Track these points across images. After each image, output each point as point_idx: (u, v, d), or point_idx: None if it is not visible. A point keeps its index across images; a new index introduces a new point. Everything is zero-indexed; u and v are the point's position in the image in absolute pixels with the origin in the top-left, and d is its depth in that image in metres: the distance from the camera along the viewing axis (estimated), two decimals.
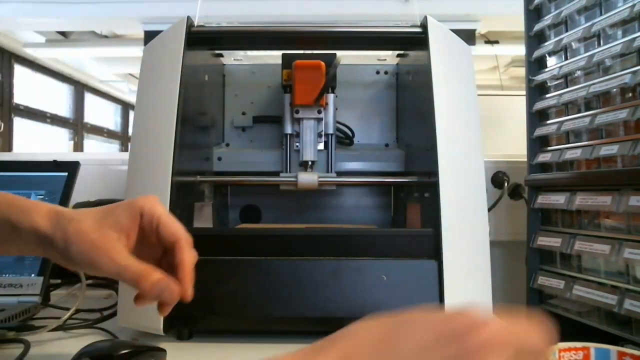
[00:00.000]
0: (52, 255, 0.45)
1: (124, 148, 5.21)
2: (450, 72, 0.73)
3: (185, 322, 0.66)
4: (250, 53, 1.12)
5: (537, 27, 0.87)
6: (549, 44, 0.85)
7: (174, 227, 0.46)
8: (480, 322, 0.30)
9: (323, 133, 0.91)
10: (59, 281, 0.94)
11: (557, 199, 0.79)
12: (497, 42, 2.87)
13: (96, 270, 0.43)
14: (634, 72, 0.67)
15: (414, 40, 0.79)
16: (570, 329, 0.79)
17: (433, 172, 0.69)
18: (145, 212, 0.46)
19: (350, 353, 0.29)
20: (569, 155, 0.78)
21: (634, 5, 0.67)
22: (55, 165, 0.87)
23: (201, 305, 0.61)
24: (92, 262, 0.43)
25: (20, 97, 3.70)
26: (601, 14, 0.74)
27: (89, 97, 4.71)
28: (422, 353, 0.29)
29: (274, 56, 1.01)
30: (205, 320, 0.66)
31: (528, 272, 0.86)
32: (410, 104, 0.92)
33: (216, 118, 0.98)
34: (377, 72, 1.03)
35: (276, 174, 0.90)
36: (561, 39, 0.82)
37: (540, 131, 0.86)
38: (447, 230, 0.66)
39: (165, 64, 0.72)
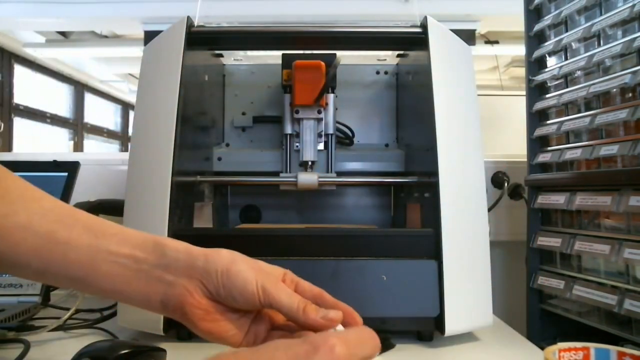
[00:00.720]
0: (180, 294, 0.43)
1: (124, 148, 5.21)
2: (450, 72, 0.73)
3: None
4: (250, 53, 1.12)
5: (537, 27, 0.88)
6: (549, 44, 0.85)
7: (312, 287, 0.46)
8: (324, 346, 0.34)
9: (323, 133, 0.91)
10: None
11: (557, 199, 0.79)
12: (497, 42, 2.87)
13: (257, 301, 0.42)
14: (634, 72, 0.67)
15: (414, 41, 0.79)
16: (570, 329, 0.79)
17: (433, 172, 0.69)
18: (288, 275, 0.47)
19: None
20: (569, 155, 0.78)
21: (634, 5, 0.67)
22: (55, 166, 0.87)
23: None
24: (258, 291, 0.42)
25: (20, 97, 3.70)
26: (601, 14, 0.74)
27: (89, 97, 4.71)
28: None
29: (274, 56, 1.01)
30: None
31: (528, 272, 0.86)
32: (410, 104, 0.92)
33: (216, 118, 0.98)
34: (377, 72, 1.03)
35: (276, 174, 0.90)
36: (561, 39, 0.82)
37: (540, 131, 0.86)
38: (447, 230, 0.66)
39: (165, 64, 0.72)
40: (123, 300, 0.45)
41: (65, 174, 0.86)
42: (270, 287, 0.42)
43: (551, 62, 0.87)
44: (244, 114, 1.02)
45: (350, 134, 0.99)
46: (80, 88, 4.52)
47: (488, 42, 2.86)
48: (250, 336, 0.45)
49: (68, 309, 0.73)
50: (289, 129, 0.91)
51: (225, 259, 0.43)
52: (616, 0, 0.72)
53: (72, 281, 0.43)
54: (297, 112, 0.88)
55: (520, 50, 0.94)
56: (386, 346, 0.64)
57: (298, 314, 0.41)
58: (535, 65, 0.89)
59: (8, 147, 3.51)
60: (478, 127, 0.73)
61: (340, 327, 0.42)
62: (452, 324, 0.65)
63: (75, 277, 0.42)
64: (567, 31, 0.81)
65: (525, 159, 0.90)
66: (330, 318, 0.41)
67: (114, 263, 0.42)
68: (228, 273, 0.42)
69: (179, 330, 0.67)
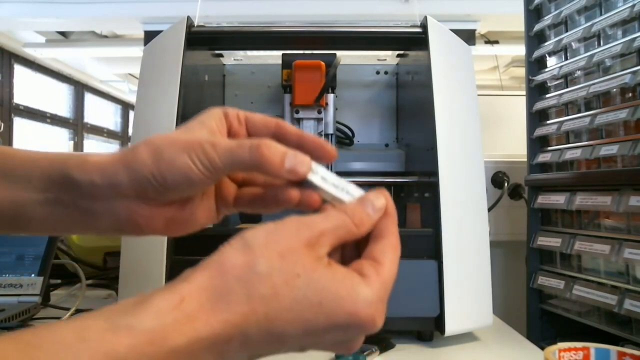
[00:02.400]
0: (120, 207, 0.36)
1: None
2: (450, 72, 0.73)
3: None
4: (250, 53, 1.12)
5: (537, 27, 0.87)
6: (549, 44, 0.85)
7: (266, 117, 0.39)
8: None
9: (323, 133, 0.91)
10: (59, 281, 0.94)
11: (557, 199, 0.79)
12: (497, 42, 2.86)
13: (199, 173, 0.34)
14: (634, 72, 0.67)
15: (414, 40, 0.79)
16: (570, 329, 0.79)
17: (433, 172, 0.69)
18: (229, 111, 0.39)
19: (217, 285, 0.28)
20: (569, 155, 0.78)
21: (634, 5, 0.67)
22: None
23: None
24: (197, 165, 0.34)
25: (20, 97, 3.70)
26: (601, 14, 0.74)
27: (89, 97, 4.71)
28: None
29: (274, 56, 1.01)
30: None
31: (528, 272, 0.86)
32: (410, 104, 0.92)
33: None
34: (377, 72, 1.03)
35: None
36: (561, 39, 0.82)
37: (540, 131, 0.86)
38: (447, 230, 0.66)
39: (165, 64, 0.72)
40: (66, 233, 0.41)
41: None
42: (210, 157, 0.34)
43: (551, 62, 0.87)
44: None
45: (350, 134, 0.99)
46: (80, 88, 4.52)
47: (488, 42, 2.86)
48: (222, 208, 0.40)
49: (68, 309, 0.73)
50: None
51: (147, 158, 0.35)
52: (616, 0, 0.72)
53: (6, 229, 0.38)
54: (297, 112, 0.88)
55: (520, 50, 0.94)
56: (386, 346, 0.64)
57: (255, 162, 0.34)
58: (535, 65, 0.89)
59: None
60: (478, 127, 0.73)
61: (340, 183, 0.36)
62: (452, 324, 0.65)
63: (6, 224, 0.38)
64: (567, 31, 0.81)
65: (525, 159, 0.90)
66: (296, 171, 0.34)
67: (35, 203, 0.37)
68: (161, 172, 0.34)
69: None
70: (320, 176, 0.36)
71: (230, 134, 0.39)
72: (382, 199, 0.35)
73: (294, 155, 0.35)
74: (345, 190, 0.36)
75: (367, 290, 0.30)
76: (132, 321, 0.26)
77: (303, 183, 0.36)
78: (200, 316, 0.27)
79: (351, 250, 0.35)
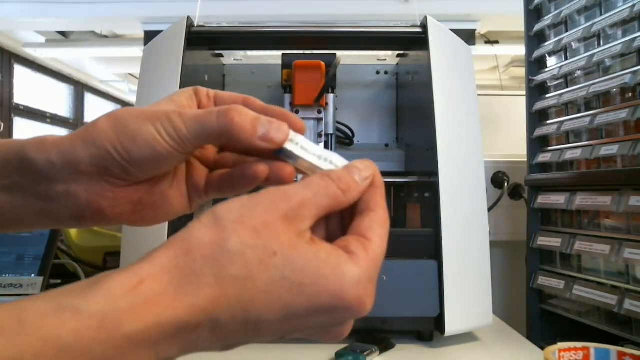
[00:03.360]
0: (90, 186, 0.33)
1: None
2: (450, 72, 0.73)
3: None
4: (250, 53, 1.12)
5: (537, 27, 0.87)
6: (549, 44, 0.85)
7: (234, 94, 0.37)
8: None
9: (323, 133, 0.91)
10: (59, 281, 0.94)
11: (557, 199, 0.79)
12: (497, 42, 2.86)
13: (165, 144, 0.31)
14: (634, 72, 0.67)
15: (414, 40, 0.79)
16: (570, 329, 0.79)
17: (433, 172, 0.69)
18: (199, 89, 0.37)
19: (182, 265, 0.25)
20: (569, 155, 0.78)
21: (634, 5, 0.67)
22: None
23: None
24: (163, 135, 0.31)
25: (20, 97, 3.70)
26: (601, 14, 0.74)
27: (89, 97, 4.71)
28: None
29: (274, 56, 1.01)
30: None
31: (528, 272, 0.86)
32: (410, 104, 0.92)
33: None
34: (377, 72, 1.03)
35: None
36: (561, 39, 0.82)
37: (540, 131, 0.86)
38: (447, 230, 0.66)
39: (165, 64, 0.72)
40: (31, 229, 0.37)
41: None
42: (176, 126, 0.31)
43: (551, 62, 0.87)
44: None
45: (350, 134, 0.99)
46: (80, 88, 4.52)
47: (488, 42, 2.86)
48: (194, 195, 0.37)
49: None
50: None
51: (107, 128, 0.32)
52: (616, 0, 0.72)
53: None
54: (297, 112, 0.88)
55: (520, 50, 0.94)
56: (386, 346, 0.64)
57: (224, 128, 0.31)
58: (535, 65, 0.89)
59: None
60: (478, 127, 0.73)
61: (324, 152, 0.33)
62: (452, 324, 0.65)
63: None
64: (567, 31, 0.81)
65: (525, 159, 0.90)
66: (271, 137, 0.32)
67: None
68: (123, 144, 0.31)
69: None
70: (300, 146, 0.33)
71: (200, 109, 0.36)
72: (369, 167, 0.31)
73: (268, 121, 0.32)
74: (329, 161, 0.32)
75: (355, 269, 0.27)
76: (79, 303, 0.23)
77: (280, 154, 0.33)
78: (161, 300, 0.24)
79: (336, 226, 0.32)
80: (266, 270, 0.26)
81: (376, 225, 0.30)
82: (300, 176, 0.33)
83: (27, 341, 0.22)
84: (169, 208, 0.36)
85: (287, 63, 0.88)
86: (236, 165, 0.37)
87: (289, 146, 0.32)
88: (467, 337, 0.69)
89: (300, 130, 0.34)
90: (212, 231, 0.26)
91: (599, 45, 0.75)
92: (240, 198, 0.28)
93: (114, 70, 4.25)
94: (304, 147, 0.33)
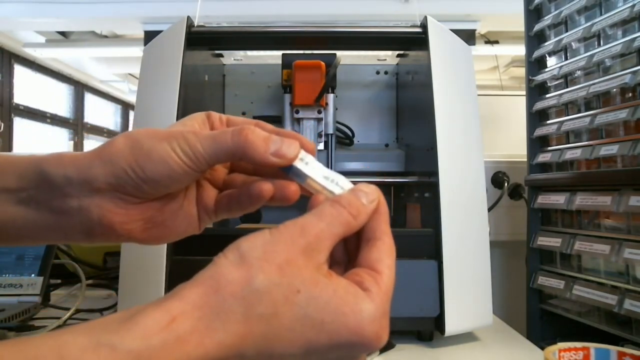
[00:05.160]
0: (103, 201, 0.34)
1: None
2: (450, 72, 0.73)
3: None
4: (250, 53, 1.12)
5: (537, 27, 0.87)
6: (549, 44, 0.85)
7: (246, 119, 0.38)
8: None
9: (323, 133, 0.91)
10: (59, 281, 0.94)
11: (557, 199, 0.79)
12: (497, 42, 2.87)
13: (180, 161, 0.33)
14: (634, 72, 0.67)
15: (414, 40, 0.79)
16: (570, 329, 0.79)
17: (433, 172, 0.69)
18: (212, 114, 0.38)
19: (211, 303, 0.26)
20: (569, 155, 0.78)
21: (634, 5, 0.67)
22: None
23: None
24: (178, 153, 0.32)
25: (20, 97, 3.70)
26: (601, 14, 0.74)
27: (89, 97, 4.71)
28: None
29: (274, 56, 1.01)
30: None
31: (528, 272, 0.86)
32: (410, 104, 0.92)
33: None
34: (377, 72, 1.03)
35: None
36: (561, 39, 0.82)
37: (540, 131, 0.86)
38: (447, 230, 0.66)
39: (165, 64, 0.72)
40: (41, 242, 0.38)
41: None
42: (192, 144, 0.33)
43: (551, 62, 0.87)
44: (244, 114, 1.01)
45: (350, 134, 0.99)
46: (80, 88, 4.52)
47: (488, 42, 2.86)
48: (204, 215, 0.38)
49: (68, 309, 0.73)
50: (289, 129, 0.91)
51: (124, 148, 0.33)
52: (616, 0, 0.72)
53: None
54: (297, 112, 0.88)
55: (520, 50, 0.94)
56: (386, 346, 0.64)
57: (238, 146, 0.32)
58: (535, 65, 0.89)
59: (8, 147, 3.51)
60: (478, 127, 0.73)
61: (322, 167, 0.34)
62: (452, 324, 0.65)
63: None
64: (567, 31, 0.81)
65: (525, 159, 0.90)
66: (283, 154, 0.33)
67: (5, 203, 0.35)
68: (138, 162, 0.33)
69: None
70: (310, 165, 0.34)
71: None
72: (375, 191, 0.33)
73: (279, 139, 0.33)
74: (335, 182, 0.34)
75: (371, 306, 0.28)
76: (115, 340, 0.24)
77: (290, 173, 0.34)
78: (192, 338, 0.25)
79: (339, 248, 0.33)
80: (291, 308, 0.27)
81: (385, 256, 0.31)
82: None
83: None
84: (178, 227, 0.37)
85: (287, 63, 0.88)
86: (243, 185, 0.38)
87: (298, 164, 0.33)
88: (467, 337, 0.69)
89: (311, 152, 0.35)
90: (239, 269, 0.27)
91: (599, 45, 0.75)
92: (262, 233, 0.29)
93: (114, 70, 4.25)
94: (313, 167, 0.34)
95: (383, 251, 0.31)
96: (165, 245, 0.64)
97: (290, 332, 0.27)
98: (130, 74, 4.48)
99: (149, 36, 1.20)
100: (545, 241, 0.81)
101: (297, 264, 0.28)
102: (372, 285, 0.29)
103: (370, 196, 0.32)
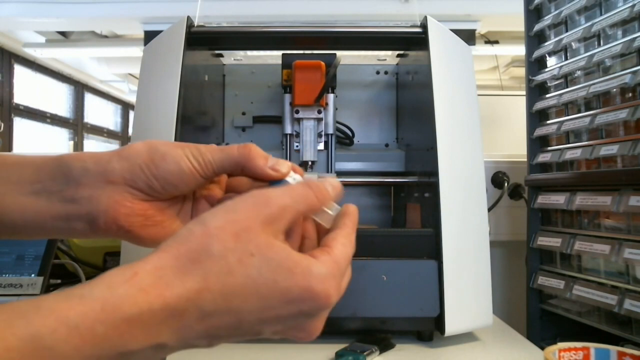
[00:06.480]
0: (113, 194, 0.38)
1: None
2: (450, 72, 0.73)
3: None
4: (250, 53, 1.12)
5: (537, 27, 0.87)
6: (549, 44, 0.85)
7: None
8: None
9: (323, 133, 0.91)
10: (59, 281, 0.94)
11: (557, 199, 0.79)
12: (497, 42, 2.87)
13: (190, 165, 0.38)
14: (634, 72, 0.67)
15: (414, 40, 0.79)
16: (570, 329, 0.79)
17: (433, 172, 0.69)
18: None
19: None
20: (569, 155, 0.78)
21: (634, 5, 0.67)
22: None
23: None
24: (189, 158, 0.38)
25: (20, 97, 3.70)
26: (601, 14, 0.74)
27: (89, 97, 4.71)
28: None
29: (274, 56, 1.01)
30: None
31: (528, 272, 0.86)
32: (410, 104, 0.92)
33: (216, 118, 0.98)
34: (377, 72, 1.03)
35: None
36: (561, 39, 0.82)
37: (540, 131, 0.86)
38: (447, 230, 0.66)
39: (165, 64, 0.72)
40: (43, 235, 0.40)
41: None
42: (202, 152, 0.38)
43: (551, 62, 0.87)
44: (244, 114, 1.02)
45: (350, 134, 0.99)
46: (80, 88, 4.52)
47: (488, 42, 2.86)
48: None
49: None
50: (289, 129, 0.91)
51: (142, 148, 0.38)
52: (616, 0, 0.72)
53: None
54: (297, 112, 0.88)
55: (520, 50, 0.94)
56: (386, 346, 0.64)
57: (243, 157, 0.38)
58: (535, 65, 0.89)
59: (8, 147, 3.51)
60: (478, 127, 0.73)
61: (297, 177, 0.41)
62: (452, 324, 0.65)
63: None
64: (567, 31, 0.81)
65: (525, 159, 0.90)
66: (278, 169, 0.39)
67: (18, 194, 0.38)
68: (153, 161, 0.38)
69: None
70: (297, 182, 0.39)
71: None
72: (339, 185, 0.38)
73: (274, 158, 0.40)
74: None
75: (320, 268, 0.32)
76: (84, 291, 0.28)
77: (280, 186, 0.39)
78: (153, 290, 0.28)
79: (312, 244, 0.38)
80: (245, 269, 0.30)
81: (339, 237, 0.35)
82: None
83: (43, 321, 0.26)
84: (173, 231, 0.41)
85: (287, 63, 0.88)
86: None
87: (289, 179, 0.40)
88: (467, 337, 0.69)
89: (300, 174, 0.41)
90: (198, 238, 0.31)
91: (599, 45, 0.75)
92: (225, 205, 0.33)
93: (114, 70, 4.25)
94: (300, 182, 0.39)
95: (339, 234, 0.35)
96: None
97: (245, 289, 0.30)
98: (130, 74, 4.49)
99: (149, 36, 1.20)
100: (545, 241, 0.81)
101: (254, 231, 0.31)
102: (322, 254, 0.33)
103: (337, 189, 0.38)
